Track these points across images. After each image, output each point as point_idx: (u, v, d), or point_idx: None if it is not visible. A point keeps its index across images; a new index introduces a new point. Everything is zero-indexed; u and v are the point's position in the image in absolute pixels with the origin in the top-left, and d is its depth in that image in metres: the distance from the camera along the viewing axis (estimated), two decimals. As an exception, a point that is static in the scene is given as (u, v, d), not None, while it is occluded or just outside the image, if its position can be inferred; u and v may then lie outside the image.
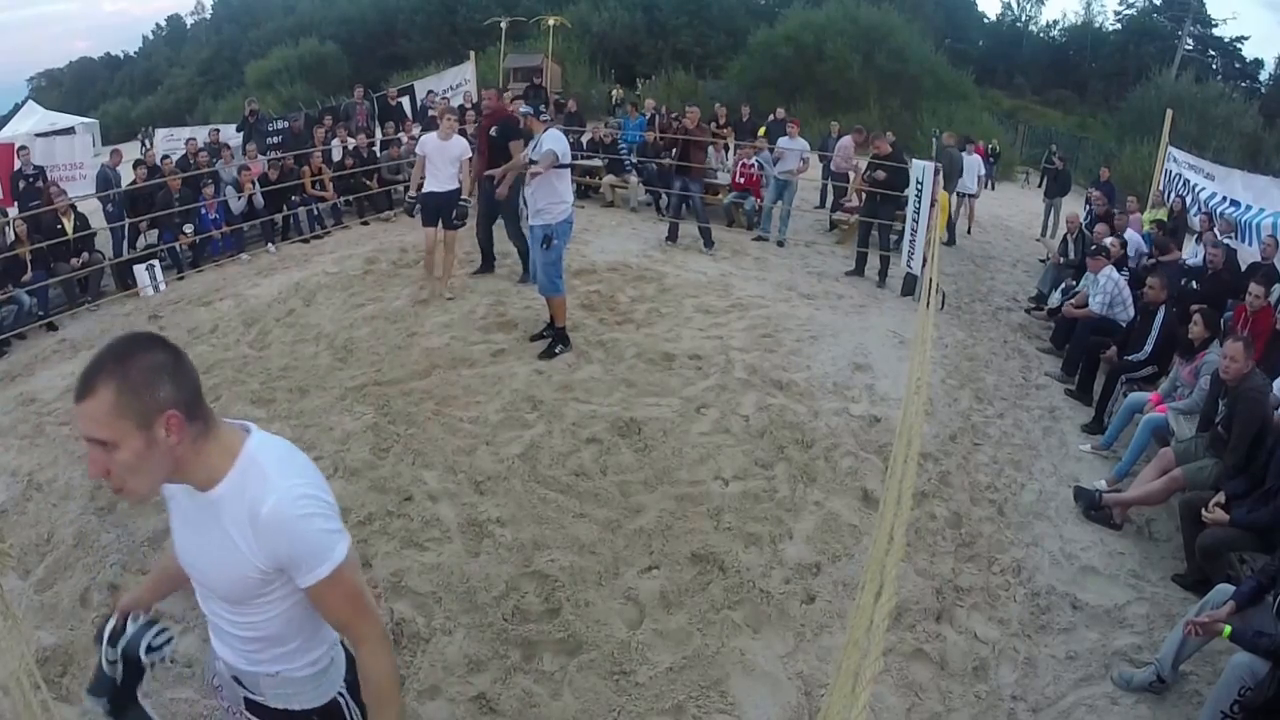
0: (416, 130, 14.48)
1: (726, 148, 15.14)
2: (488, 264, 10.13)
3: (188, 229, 10.90)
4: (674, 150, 12.66)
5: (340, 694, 2.13)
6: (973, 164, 15.63)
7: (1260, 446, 5.04)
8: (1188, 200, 12.39)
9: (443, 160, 8.67)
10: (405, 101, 16.95)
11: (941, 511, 5.51)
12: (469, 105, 15.84)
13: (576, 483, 5.54)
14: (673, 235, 12.18)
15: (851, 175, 13.52)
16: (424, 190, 8.79)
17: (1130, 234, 10.65)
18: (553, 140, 7.17)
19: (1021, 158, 28.15)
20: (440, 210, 8.77)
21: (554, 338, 7.65)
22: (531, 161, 7.12)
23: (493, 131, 9.14)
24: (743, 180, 13.21)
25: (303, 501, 1.80)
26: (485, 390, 6.84)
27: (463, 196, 8.69)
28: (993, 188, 21.38)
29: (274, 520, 1.77)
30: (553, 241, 7.28)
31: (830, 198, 14.82)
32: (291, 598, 1.91)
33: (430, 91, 16.81)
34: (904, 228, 10.77)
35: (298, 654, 2.02)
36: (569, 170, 7.52)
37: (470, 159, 8.90)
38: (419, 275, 9.58)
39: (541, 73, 23.48)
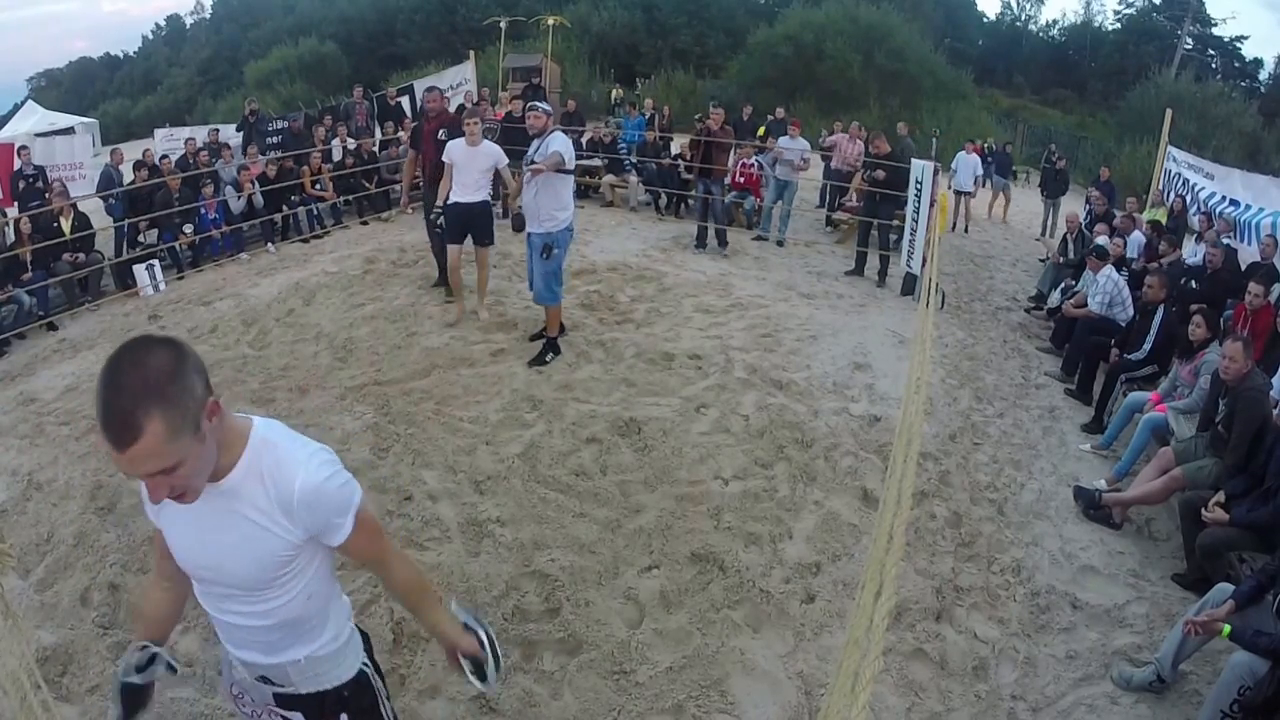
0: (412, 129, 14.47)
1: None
2: (445, 277, 9.14)
3: (187, 229, 10.90)
4: (697, 152, 12.43)
5: (364, 664, 2.18)
6: (970, 163, 15.65)
7: (1260, 445, 5.05)
8: (1187, 200, 12.40)
9: (471, 169, 7.80)
10: (405, 101, 16.93)
11: (941, 511, 5.51)
12: (468, 105, 15.82)
13: (576, 482, 5.54)
14: (701, 241, 11.96)
15: (856, 177, 13.48)
16: (449, 201, 7.92)
17: (1132, 234, 10.66)
18: (560, 143, 6.89)
19: (1021, 157, 28.11)
20: (468, 224, 7.99)
21: (545, 345, 7.52)
22: (532, 161, 6.87)
23: (441, 135, 8.53)
24: (742, 180, 13.20)
25: (323, 467, 1.85)
26: (485, 390, 6.83)
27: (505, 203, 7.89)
28: (987, 186, 21.37)
29: (308, 494, 1.81)
30: (554, 250, 7.03)
31: (830, 197, 14.78)
32: (309, 570, 1.95)
33: (426, 93, 16.79)
34: (903, 227, 10.77)
35: (319, 631, 2.04)
36: (572, 176, 7.24)
37: (507, 165, 7.99)
38: (448, 300, 8.79)
39: (540, 72, 23.49)
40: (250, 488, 1.82)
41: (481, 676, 2.20)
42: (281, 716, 2.17)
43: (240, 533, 1.83)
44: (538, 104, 7.22)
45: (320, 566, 1.99)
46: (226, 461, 1.80)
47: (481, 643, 2.21)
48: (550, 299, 7.28)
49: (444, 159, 7.90)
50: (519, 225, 7.33)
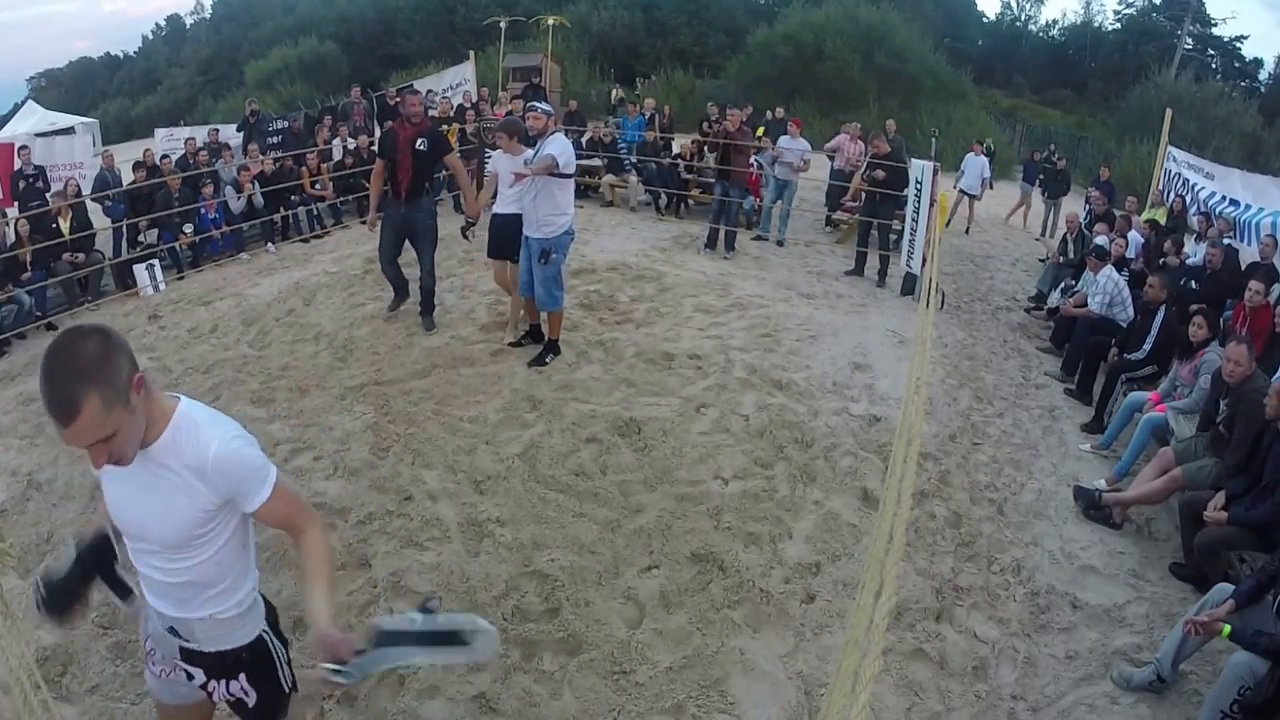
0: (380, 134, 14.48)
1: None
2: (402, 293, 8.58)
3: (187, 229, 10.90)
4: (715, 154, 12.32)
5: (265, 632, 2.44)
6: (977, 164, 15.62)
7: (1259, 445, 5.04)
8: (1187, 200, 12.39)
9: (510, 180, 7.15)
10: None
11: (941, 511, 5.52)
12: (468, 105, 15.82)
13: (576, 482, 5.54)
14: (711, 242, 11.84)
15: (856, 177, 13.43)
16: (492, 212, 7.62)
17: (1132, 234, 10.65)
18: (555, 145, 6.68)
19: (1020, 157, 28.11)
20: (505, 237, 7.46)
21: (545, 346, 7.48)
22: (526, 164, 6.69)
23: (419, 145, 7.76)
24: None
25: (237, 441, 2.14)
26: (485, 389, 6.84)
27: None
28: (991, 187, 21.36)
29: (221, 459, 2.09)
30: (551, 256, 6.89)
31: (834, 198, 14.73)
32: (224, 535, 2.22)
33: (430, 91, 16.78)
34: (903, 227, 10.76)
35: (227, 594, 2.29)
36: (572, 180, 7.00)
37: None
38: (508, 317, 8.19)
39: (540, 72, 23.46)
40: (172, 454, 2.09)
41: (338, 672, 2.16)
42: (185, 671, 2.43)
43: (163, 495, 2.11)
44: (537, 104, 7.05)
45: (233, 538, 2.25)
46: (153, 433, 2.07)
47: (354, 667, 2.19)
48: (551, 304, 7.18)
49: (489, 169, 7.77)
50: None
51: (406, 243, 8.21)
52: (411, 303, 8.61)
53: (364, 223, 12.54)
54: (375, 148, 14.01)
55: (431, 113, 14.08)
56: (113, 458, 1.97)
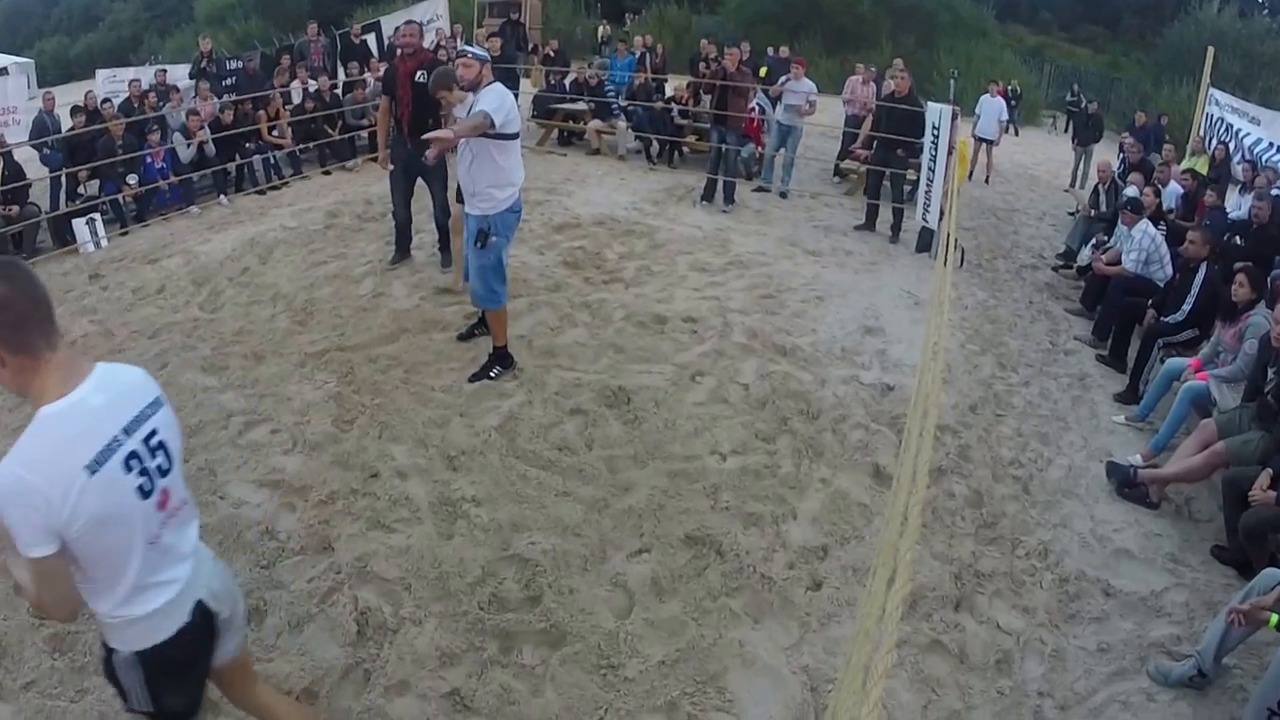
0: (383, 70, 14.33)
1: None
2: (404, 249, 8.87)
3: (131, 179, 10.76)
4: (711, 97, 12.14)
5: (137, 653, 2.36)
6: (994, 107, 15.53)
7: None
8: (1231, 147, 12.34)
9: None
10: (371, 39, 16.70)
11: (960, 489, 5.49)
12: (440, 44, 15.63)
13: (559, 458, 5.51)
14: (708, 194, 11.78)
15: (866, 122, 13.30)
16: None
17: (1171, 185, 10.61)
18: (490, 99, 5.71)
19: (1047, 100, 28.06)
20: None
21: (491, 358, 6.58)
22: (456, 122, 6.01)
23: (419, 77, 7.82)
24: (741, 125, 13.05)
25: (9, 484, 1.98)
26: (459, 356, 6.78)
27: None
28: (1016, 133, 21.36)
29: None
30: (490, 238, 6.00)
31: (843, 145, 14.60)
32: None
33: (398, 28, 16.60)
34: (918, 177, 10.68)
35: (99, 597, 2.25)
36: (516, 143, 6.04)
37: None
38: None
39: (520, 8, 23.24)
40: None
41: None
42: None
43: None
44: (468, 49, 6.15)
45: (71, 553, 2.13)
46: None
47: None
48: (490, 301, 6.30)
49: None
50: None
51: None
52: (379, 261, 8.71)
53: (325, 172, 12.57)
54: (340, 91, 14.01)
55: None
56: None
